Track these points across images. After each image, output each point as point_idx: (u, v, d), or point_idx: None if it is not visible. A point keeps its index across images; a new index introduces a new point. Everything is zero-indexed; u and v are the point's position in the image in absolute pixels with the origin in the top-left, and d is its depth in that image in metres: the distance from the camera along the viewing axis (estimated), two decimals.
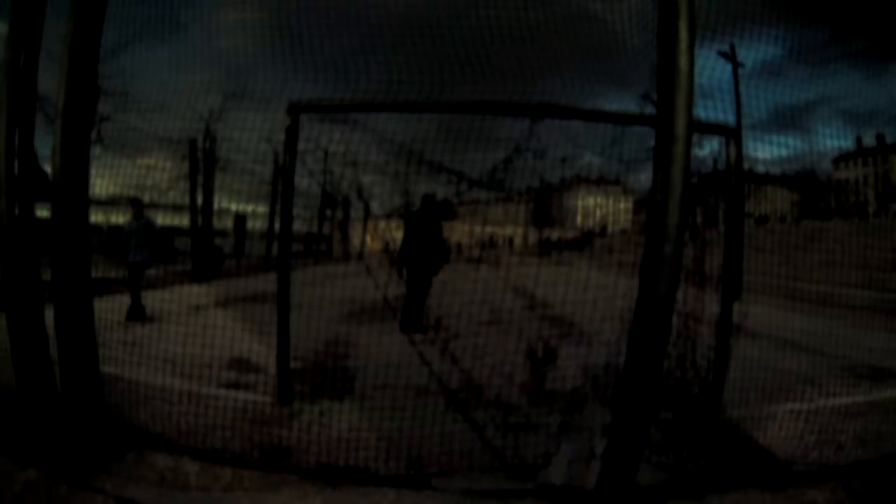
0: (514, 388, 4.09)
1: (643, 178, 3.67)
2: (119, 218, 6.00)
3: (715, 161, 3.68)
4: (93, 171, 2.96)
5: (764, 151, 4.07)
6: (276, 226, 3.86)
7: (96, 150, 3.29)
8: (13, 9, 2.87)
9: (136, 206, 6.08)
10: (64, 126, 2.75)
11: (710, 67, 3.15)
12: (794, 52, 2.74)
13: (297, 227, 3.87)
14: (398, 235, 5.39)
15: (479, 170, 3.92)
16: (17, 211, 2.88)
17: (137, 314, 6.10)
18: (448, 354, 4.87)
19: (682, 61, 2.56)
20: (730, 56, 3.31)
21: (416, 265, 5.78)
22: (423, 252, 5.78)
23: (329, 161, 3.94)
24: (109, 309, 5.85)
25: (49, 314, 2.83)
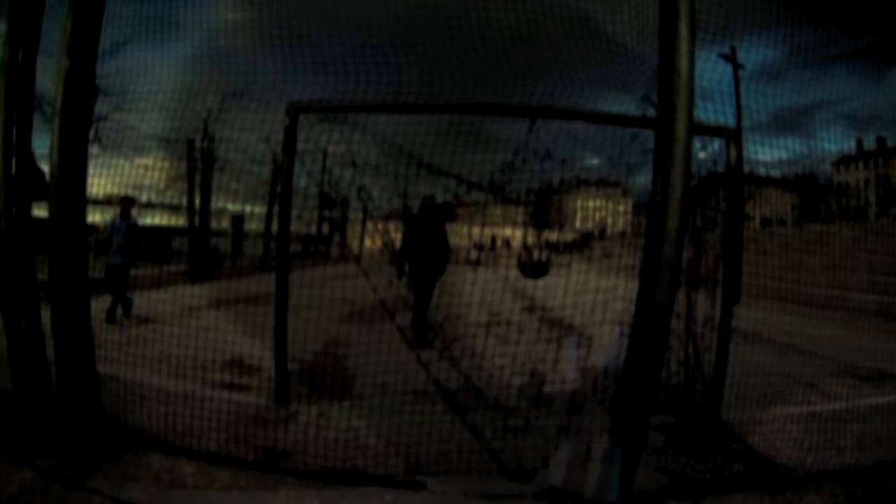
0: (513, 390, 4.07)
1: (643, 180, 3.66)
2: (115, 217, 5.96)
3: (715, 163, 3.67)
4: (90, 171, 2.95)
5: (765, 154, 4.06)
6: (274, 226, 3.84)
7: (94, 150, 3.28)
8: (12, 8, 2.87)
9: (126, 204, 5.97)
10: (61, 125, 2.74)
11: (710, 69, 3.14)
12: (795, 54, 2.73)
13: (295, 227, 3.86)
14: (398, 237, 5.39)
15: (478, 171, 3.91)
16: (14, 210, 2.87)
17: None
18: (447, 356, 4.86)
19: (683, 63, 2.55)
20: (730, 58, 3.30)
21: (417, 267, 5.76)
22: (424, 254, 5.76)
23: (328, 161, 3.92)
24: (104, 309, 5.83)
25: (45, 314, 2.82)
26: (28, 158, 2.89)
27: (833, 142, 4.57)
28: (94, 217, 4.08)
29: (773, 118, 3.96)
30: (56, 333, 2.79)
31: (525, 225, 4.95)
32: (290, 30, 3.04)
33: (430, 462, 2.95)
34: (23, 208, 2.88)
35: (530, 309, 6.84)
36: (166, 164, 4.10)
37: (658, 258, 2.45)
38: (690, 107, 2.56)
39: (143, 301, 6.13)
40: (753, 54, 2.96)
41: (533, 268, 4.73)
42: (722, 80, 3.35)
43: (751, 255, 4.08)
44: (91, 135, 2.92)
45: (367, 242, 4.85)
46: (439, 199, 5.48)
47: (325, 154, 3.85)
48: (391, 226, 4.89)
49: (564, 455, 2.92)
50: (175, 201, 4.74)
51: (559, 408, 3.73)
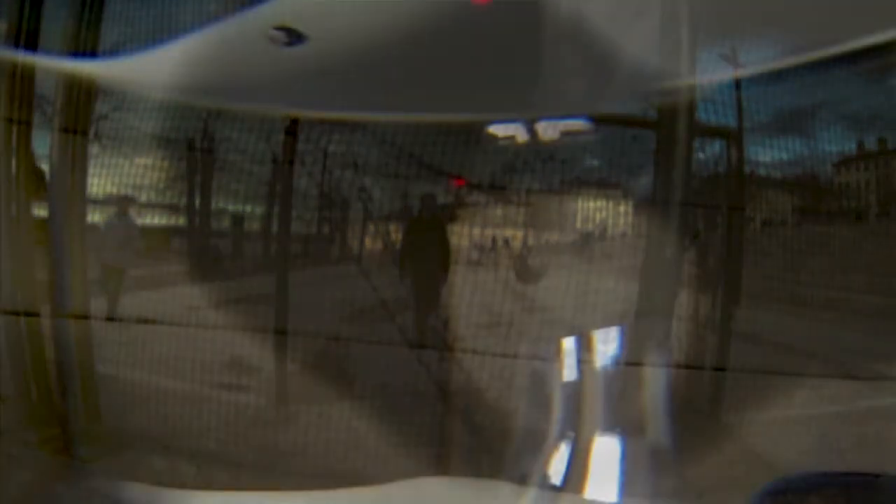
0: (513, 390, 4.06)
1: (644, 181, 3.66)
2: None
3: (716, 164, 3.67)
4: (90, 170, 2.95)
5: (765, 155, 4.05)
6: (274, 227, 3.85)
7: (94, 149, 3.27)
8: (12, 8, 2.87)
9: (124, 203, 5.92)
10: (61, 124, 2.74)
11: (710, 70, 3.14)
12: (796, 54, 2.72)
13: (296, 228, 3.86)
14: (398, 237, 5.39)
15: (478, 172, 3.90)
16: (14, 210, 2.86)
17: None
18: (447, 356, 4.85)
19: (684, 64, 2.55)
20: (731, 58, 3.29)
21: (418, 268, 5.74)
22: (425, 254, 5.75)
23: (328, 161, 3.92)
24: (102, 308, 5.82)
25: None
26: (28, 158, 2.89)
27: (834, 143, 4.55)
28: (94, 217, 4.07)
29: (773, 119, 3.95)
30: (55, 333, 2.79)
31: (525, 226, 4.93)
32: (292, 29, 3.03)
33: (430, 463, 2.94)
34: (23, 208, 2.88)
35: (531, 309, 6.82)
36: (166, 164, 4.09)
37: (659, 259, 2.45)
38: (691, 108, 2.57)
39: (143, 301, 6.10)
40: (755, 54, 2.95)
41: (531, 270, 4.73)
42: (722, 81, 3.34)
43: (751, 256, 4.07)
44: (91, 134, 2.92)
45: (368, 243, 4.84)
46: (439, 199, 5.48)
47: (325, 153, 3.85)
48: (392, 226, 4.88)
49: (564, 455, 2.92)
50: (175, 201, 4.72)
51: (559, 408, 3.73)
